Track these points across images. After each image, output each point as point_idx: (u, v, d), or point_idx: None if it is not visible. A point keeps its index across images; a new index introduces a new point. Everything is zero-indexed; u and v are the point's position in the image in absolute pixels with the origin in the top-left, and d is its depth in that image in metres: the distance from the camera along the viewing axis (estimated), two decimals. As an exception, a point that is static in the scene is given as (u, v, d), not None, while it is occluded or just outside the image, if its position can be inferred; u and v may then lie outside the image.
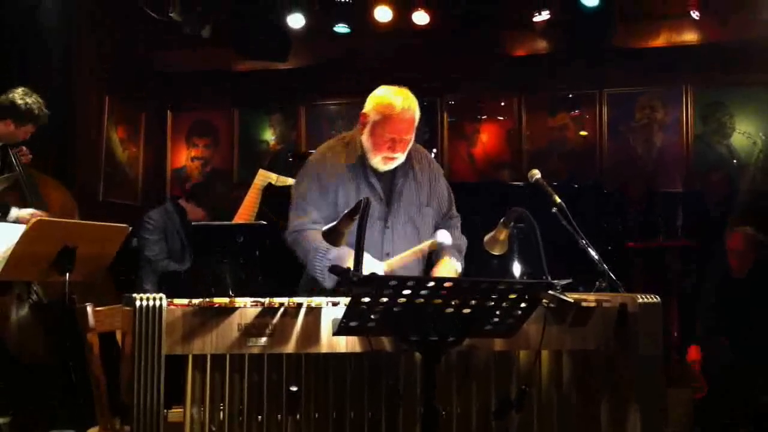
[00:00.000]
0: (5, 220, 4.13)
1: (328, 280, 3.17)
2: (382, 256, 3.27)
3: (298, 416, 2.63)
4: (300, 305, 2.59)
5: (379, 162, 3.32)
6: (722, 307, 5.08)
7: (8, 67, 6.13)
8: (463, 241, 3.49)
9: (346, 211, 3.00)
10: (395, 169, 3.36)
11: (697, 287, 5.38)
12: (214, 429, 2.57)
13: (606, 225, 5.57)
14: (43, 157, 5.31)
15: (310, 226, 3.27)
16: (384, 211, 3.32)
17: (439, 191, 3.48)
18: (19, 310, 4.56)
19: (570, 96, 7.91)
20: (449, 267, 3.32)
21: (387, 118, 3.26)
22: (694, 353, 5.04)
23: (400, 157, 3.33)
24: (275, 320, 2.57)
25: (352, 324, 2.33)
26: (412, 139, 3.34)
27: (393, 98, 3.28)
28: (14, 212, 4.21)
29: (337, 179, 3.34)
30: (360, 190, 3.31)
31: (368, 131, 3.31)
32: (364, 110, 3.33)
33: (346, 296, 2.56)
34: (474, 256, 3.50)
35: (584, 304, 2.74)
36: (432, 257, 3.40)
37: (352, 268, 2.88)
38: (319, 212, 3.29)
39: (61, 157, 6.68)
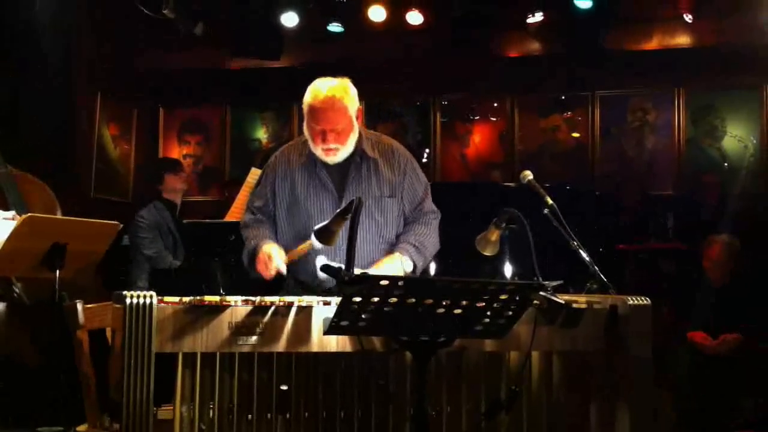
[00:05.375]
0: None
1: (252, 273, 3.29)
2: (336, 249, 3.15)
3: (288, 415, 2.63)
4: (291, 304, 2.59)
5: (322, 154, 3.22)
6: (708, 316, 5.02)
7: (7, 66, 6.12)
8: (431, 240, 3.34)
9: (338, 210, 3.01)
10: (348, 162, 3.26)
11: (689, 291, 5.35)
12: (203, 427, 2.56)
13: (597, 227, 5.57)
14: (36, 153, 5.30)
15: (251, 218, 3.39)
16: (336, 205, 3.21)
17: (407, 183, 3.33)
18: None
19: (562, 98, 7.92)
20: (391, 265, 3.17)
21: (311, 108, 3.17)
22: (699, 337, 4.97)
23: (342, 148, 3.20)
24: (266, 319, 2.57)
25: (343, 323, 2.33)
26: (351, 128, 3.20)
27: (318, 88, 3.17)
28: None
29: (289, 176, 3.31)
30: (311, 186, 3.27)
31: (305, 123, 3.26)
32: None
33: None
34: (466, 257, 3.48)
35: (575, 305, 2.74)
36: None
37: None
38: (258, 206, 3.38)
39: (53, 154, 6.66)
